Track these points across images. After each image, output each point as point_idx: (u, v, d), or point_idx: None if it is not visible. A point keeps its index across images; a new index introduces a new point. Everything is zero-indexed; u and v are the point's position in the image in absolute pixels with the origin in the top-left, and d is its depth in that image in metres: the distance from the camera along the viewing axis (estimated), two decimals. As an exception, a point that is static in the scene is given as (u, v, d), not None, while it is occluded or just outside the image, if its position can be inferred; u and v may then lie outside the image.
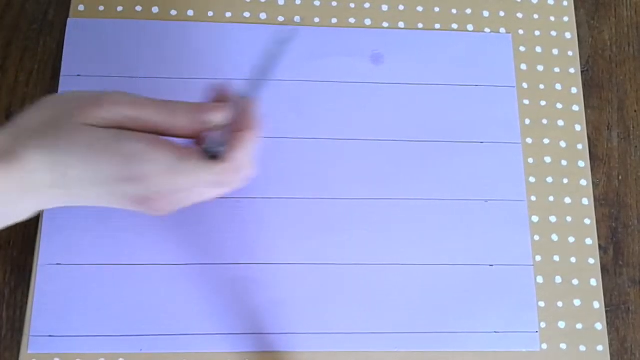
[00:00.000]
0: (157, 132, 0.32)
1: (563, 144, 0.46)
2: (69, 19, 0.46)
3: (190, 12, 0.47)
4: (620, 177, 0.47)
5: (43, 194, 0.31)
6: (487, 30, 0.49)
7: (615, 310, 0.44)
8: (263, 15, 0.47)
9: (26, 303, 0.40)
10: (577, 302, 0.43)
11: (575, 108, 0.47)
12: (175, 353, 0.40)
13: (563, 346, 0.42)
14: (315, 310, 0.41)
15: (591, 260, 0.44)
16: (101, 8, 0.46)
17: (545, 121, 0.47)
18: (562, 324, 0.43)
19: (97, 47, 0.45)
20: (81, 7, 0.46)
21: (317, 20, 0.48)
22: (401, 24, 0.48)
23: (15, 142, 0.30)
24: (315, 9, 0.48)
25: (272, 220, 0.43)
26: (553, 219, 0.45)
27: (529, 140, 0.46)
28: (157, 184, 0.31)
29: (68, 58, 0.45)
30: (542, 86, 0.47)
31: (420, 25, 0.48)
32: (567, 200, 0.45)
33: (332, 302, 0.42)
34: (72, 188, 0.31)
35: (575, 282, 0.43)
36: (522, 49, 0.48)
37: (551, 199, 0.45)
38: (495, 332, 0.42)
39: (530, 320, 0.42)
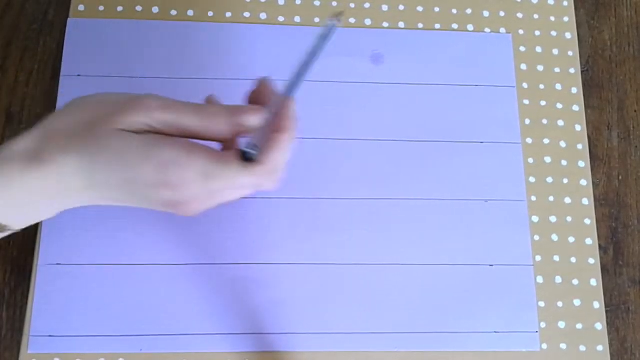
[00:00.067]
0: (192, 137, 0.31)
1: (563, 144, 0.46)
2: (69, 19, 0.46)
3: (190, 12, 0.47)
4: (620, 177, 0.47)
5: (75, 195, 0.31)
6: (487, 30, 0.49)
7: (615, 310, 0.44)
8: (263, 15, 0.47)
9: (26, 303, 0.40)
10: (577, 302, 0.43)
11: (575, 108, 0.47)
12: (175, 353, 0.40)
13: (563, 346, 0.42)
14: (315, 310, 0.41)
15: (591, 260, 0.44)
16: (101, 8, 0.46)
17: (545, 121, 0.47)
18: (562, 324, 0.43)
19: (97, 47, 0.45)
20: (81, 7, 0.46)
21: (317, 20, 0.48)
22: (401, 24, 0.48)
23: (47, 144, 0.30)
24: (315, 9, 0.48)
25: (272, 220, 0.43)
26: (553, 219, 0.45)
27: (529, 140, 0.46)
28: (192, 189, 0.30)
29: (68, 58, 0.45)
30: (542, 86, 0.47)
31: (421, 25, 0.48)
32: (567, 200, 0.45)
33: (332, 302, 0.42)
34: (105, 191, 0.31)
35: (575, 282, 0.43)
36: (522, 49, 0.48)
37: (551, 199, 0.45)
38: (495, 332, 0.42)
39: (530, 320, 0.42)
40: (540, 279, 0.43)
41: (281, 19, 0.48)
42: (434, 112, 0.46)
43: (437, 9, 0.49)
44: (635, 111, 0.48)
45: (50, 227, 0.42)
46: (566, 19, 0.49)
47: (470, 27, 0.49)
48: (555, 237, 0.44)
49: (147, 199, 0.31)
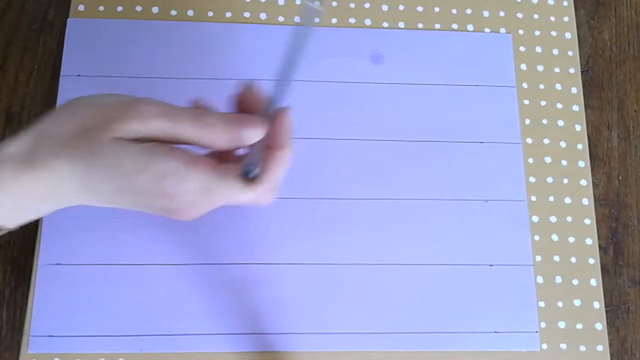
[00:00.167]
0: (189, 145, 0.30)
1: (563, 144, 0.46)
2: (69, 19, 0.46)
3: (190, 12, 0.47)
4: (620, 177, 0.47)
5: (68, 198, 0.31)
6: (487, 30, 0.49)
7: (615, 310, 0.44)
8: (263, 15, 0.47)
9: (26, 303, 0.40)
10: (577, 302, 0.43)
11: (575, 108, 0.47)
12: (175, 353, 0.40)
13: (563, 346, 0.42)
14: (315, 310, 0.41)
15: (591, 260, 0.44)
16: (101, 8, 0.46)
17: (545, 121, 0.47)
18: (562, 324, 0.43)
19: (97, 47, 0.45)
20: (81, 7, 0.46)
21: (317, 20, 0.48)
22: (401, 24, 0.48)
23: (40, 148, 0.29)
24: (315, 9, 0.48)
25: (272, 220, 0.43)
26: (553, 219, 0.45)
27: (529, 140, 0.46)
28: (189, 200, 0.30)
29: (68, 58, 0.45)
30: (542, 86, 0.47)
31: (420, 25, 0.48)
32: (567, 200, 0.45)
33: (332, 302, 0.42)
34: (99, 196, 0.30)
35: (575, 282, 0.43)
36: (522, 49, 0.48)
37: (551, 199, 0.45)
38: (495, 332, 0.42)
39: (530, 320, 0.42)
40: (540, 279, 0.43)
41: (281, 19, 0.48)
42: (434, 112, 0.46)
43: (437, 9, 0.49)
44: (635, 111, 0.48)
45: (50, 227, 0.42)
46: (566, 19, 0.49)
47: (470, 27, 0.49)
48: (555, 237, 0.44)
49: (143, 205, 0.31)
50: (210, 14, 0.47)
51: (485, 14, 0.49)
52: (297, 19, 0.45)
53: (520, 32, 0.49)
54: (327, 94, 0.46)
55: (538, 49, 0.48)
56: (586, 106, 0.48)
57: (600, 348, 0.42)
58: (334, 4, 0.48)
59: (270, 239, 0.43)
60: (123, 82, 0.45)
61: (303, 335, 0.41)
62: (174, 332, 0.40)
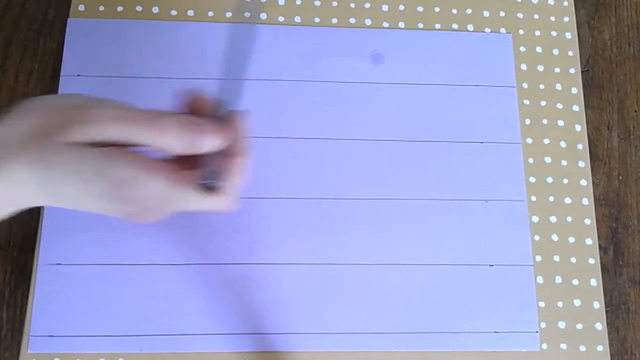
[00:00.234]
0: (147, 147, 0.30)
1: (563, 144, 0.46)
2: (69, 19, 0.46)
3: (191, 12, 0.47)
4: (620, 177, 0.47)
5: (29, 201, 0.30)
6: (487, 30, 0.49)
7: (615, 310, 0.44)
8: (263, 15, 0.47)
9: (26, 303, 0.40)
10: (577, 302, 0.43)
11: (575, 108, 0.47)
12: (175, 353, 0.40)
13: (563, 346, 0.42)
14: (315, 310, 0.41)
15: (591, 260, 0.44)
16: (101, 8, 0.46)
17: (545, 121, 0.47)
18: (562, 324, 0.43)
19: (97, 47, 0.45)
20: (81, 7, 0.46)
21: (317, 20, 0.48)
22: (401, 24, 0.48)
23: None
24: (315, 9, 0.48)
25: (272, 220, 0.43)
26: (553, 219, 0.45)
27: (529, 140, 0.46)
28: (149, 205, 0.30)
29: (68, 58, 0.45)
30: (542, 86, 0.47)
31: (421, 25, 0.48)
32: (567, 200, 0.45)
33: (332, 302, 0.42)
34: (59, 199, 0.30)
35: (575, 282, 0.43)
36: (522, 49, 0.48)
37: (551, 199, 0.45)
38: (495, 332, 0.42)
39: (530, 320, 0.42)
40: (540, 279, 0.43)
41: (281, 19, 0.48)
42: (434, 112, 0.46)
43: (437, 9, 0.49)
44: (635, 111, 0.48)
45: (50, 227, 0.42)
46: (566, 19, 0.49)
47: (470, 27, 0.49)
48: (555, 237, 0.44)
49: (103, 209, 0.31)
50: (210, 14, 0.47)
51: (486, 14, 0.49)
52: (229, 14, 0.44)
53: (521, 32, 0.49)
54: (327, 94, 0.46)
55: (538, 49, 0.48)
56: (586, 106, 0.48)
57: (600, 348, 0.42)
58: (334, 4, 0.48)
59: (270, 239, 0.43)
60: (123, 82, 0.45)
61: (303, 335, 0.41)
62: (174, 332, 0.40)
